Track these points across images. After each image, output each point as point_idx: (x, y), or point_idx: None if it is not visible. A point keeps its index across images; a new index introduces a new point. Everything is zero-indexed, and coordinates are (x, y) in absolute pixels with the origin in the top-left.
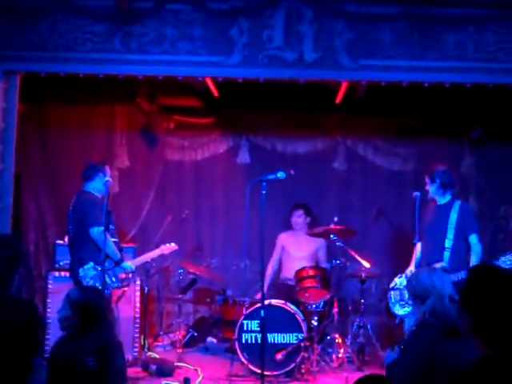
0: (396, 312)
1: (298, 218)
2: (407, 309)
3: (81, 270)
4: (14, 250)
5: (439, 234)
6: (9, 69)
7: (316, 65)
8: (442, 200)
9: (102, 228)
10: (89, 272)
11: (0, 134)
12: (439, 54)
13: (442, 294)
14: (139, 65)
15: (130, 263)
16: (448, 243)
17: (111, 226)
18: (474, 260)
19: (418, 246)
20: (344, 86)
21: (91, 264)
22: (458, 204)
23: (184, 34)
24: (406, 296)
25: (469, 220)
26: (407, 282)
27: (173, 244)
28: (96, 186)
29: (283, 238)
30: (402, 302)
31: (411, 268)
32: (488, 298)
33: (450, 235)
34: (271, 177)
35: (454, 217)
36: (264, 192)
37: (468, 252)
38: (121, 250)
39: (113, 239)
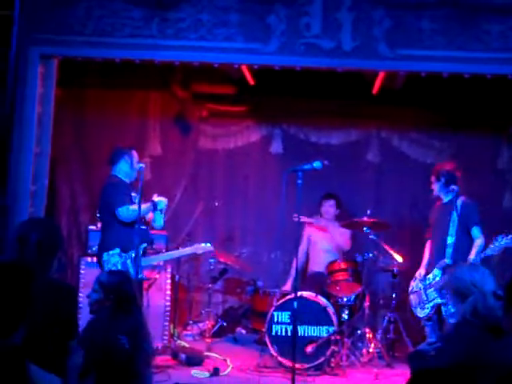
0: (418, 315)
1: (330, 208)
2: (427, 310)
3: (105, 254)
4: (56, 235)
5: (443, 232)
6: (46, 53)
7: (354, 54)
8: (446, 198)
9: (127, 206)
10: (113, 258)
11: (37, 119)
12: (481, 45)
13: (483, 291)
14: (175, 50)
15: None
16: (450, 239)
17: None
18: (474, 252)
19: (427, 244)
20: (381, 77)
21: (117, 250)
22: (460, 200)
23: (221, 20)
24: (424, 298)
25: (470, 214)
26: (445, 278)
27: (208, 244)
28: (122, 169)
29: (309, 229)
30: (421, 305)
31: (421, 270)
32: None
33: (452, 231)
34: (307, 166)
35: (455, 213)
36: (300, 181)
37: (469, 248)
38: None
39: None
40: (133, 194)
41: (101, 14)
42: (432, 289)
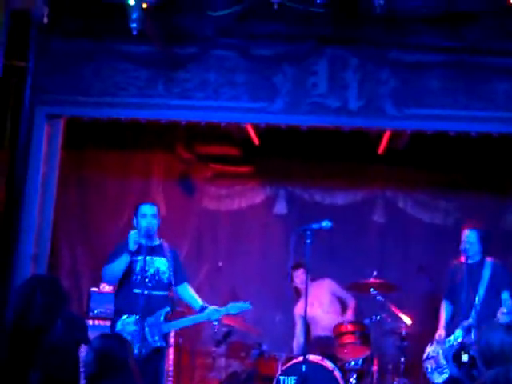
0: (436, 381)
1: (303, 276)
2: (446, 375)
3: (119, 323)
4: (59, 293)
5: (470, 292)
6: (52, 112)
7: (360, 113)
8: (474, 258)
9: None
10: (128, 327)
11: (41, 179)
12: (487, 104)
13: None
14: (182, 110)
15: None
16: (478, 300)
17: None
18: (504, 311)
19: (444, 305)
20: (386, 136)
21: (133, 318)
22: (489, 262)
23: (227, 79)
24: (443, 362)
25: (503, 276)
26: (475, 336)
27: (247, 304)
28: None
29: (299, 309)
30: (439, 369)
31: (440, 332)
32: None
33: (481, 292)
34: (315, 226)
35: (486, 274)
36: (309, 241)
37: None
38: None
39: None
40: (147, 258)
41: (108, 75)
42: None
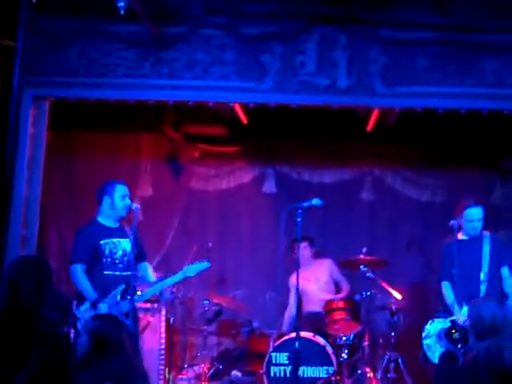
0: (435, 361)
1: (305, 250)
2: (443, 349)
3: (77, 312)
4: (45, 272)
5: (473, 268)
6: (38, 94)
7: (349, 91)
8: (471, 234)
9: (77, 265)
10: (86, 314)
11: (28, 161)
12: (476, 81)
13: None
14: (170, 90)
15: (105, 307)
16: (483, 276)
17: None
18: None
19: (446, 286)
20: (375, 114)
21: (87, 305)
22: (487, 235)
23: (216, 59)
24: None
25: (500, 250)
26: (469, 310)
27: (205, 263)
28: (103, 211)
29: (294, 279)
30: (441, 349)
31: (458, 316)
32: None
33: (485, 268)
34: (306, 204)
35: (486, 249)
36: (299, 219)
37: (500, 283)
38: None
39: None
40: (114, 240)
41: (95, 55)
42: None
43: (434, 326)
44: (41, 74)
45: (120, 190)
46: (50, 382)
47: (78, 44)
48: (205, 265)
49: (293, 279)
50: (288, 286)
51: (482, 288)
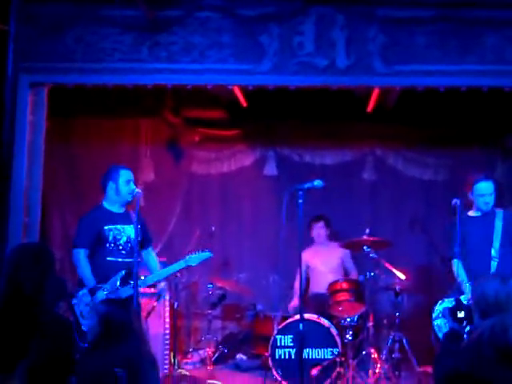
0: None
1: (321, 230)
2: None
3: (74, 299)
4: (47, 258)
5: (484, 245)
6: (36, 81)
7: (349, 71)
8: (483, 209)
9: (79, 250)
10: (84, 298)
11: (28, 148)
12: (476, 57)
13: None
14: (168, 74)
15: (102, 294)
16: (494, 252)
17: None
18: None
19: (457, 264)
20: (375, 94)
21: (85, 290)
22: (500, 212)
23: (213, 41)
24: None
25: None
26: (472, 288)
27: (206, 253)
28: (108, 197)
29: (306, 256)
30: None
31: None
32: None
33: (496, 244)
34: (308, 185)
35: (499, 225)
36: (301, 201)
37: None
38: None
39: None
40: (118, 226)
41: (91, 40)
42: None
43: (443, 306)
44: (36, 60)
45: (124, 175)
46: (52, 370)
47: (73, 29)
48: (207, 254)
49: (305, 255)
50: (291, 267)
51: (493, 265)
